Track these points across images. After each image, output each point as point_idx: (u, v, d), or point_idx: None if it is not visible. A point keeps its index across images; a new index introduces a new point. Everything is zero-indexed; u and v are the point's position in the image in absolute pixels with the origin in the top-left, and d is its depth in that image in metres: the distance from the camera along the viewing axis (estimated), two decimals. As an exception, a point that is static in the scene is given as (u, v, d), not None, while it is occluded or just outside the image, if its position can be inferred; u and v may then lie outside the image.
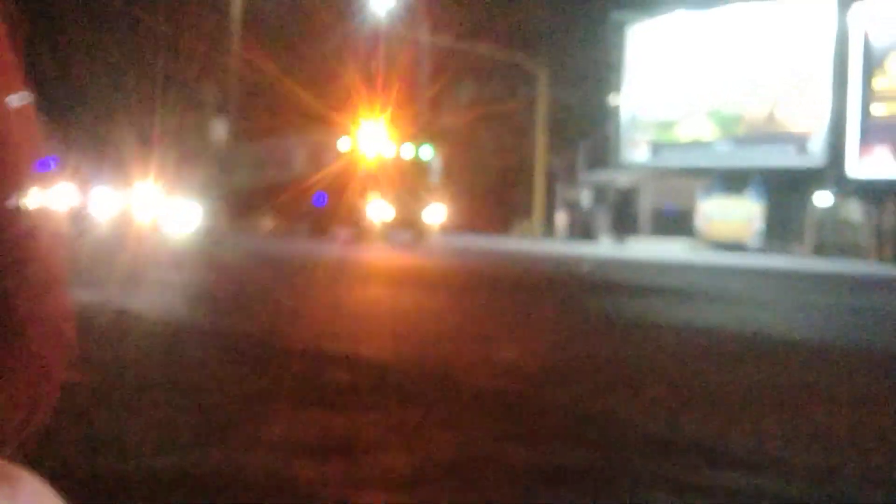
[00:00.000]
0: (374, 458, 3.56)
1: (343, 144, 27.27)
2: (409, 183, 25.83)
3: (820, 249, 25.01)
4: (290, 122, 39.17)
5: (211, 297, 9.16)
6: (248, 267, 14.17)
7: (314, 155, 29.53)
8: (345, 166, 26.42)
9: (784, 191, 25.82)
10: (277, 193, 31.33)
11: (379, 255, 18.89)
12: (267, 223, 33.46)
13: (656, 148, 28.99)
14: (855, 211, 26.49)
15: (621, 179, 30.93)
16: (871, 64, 23.84)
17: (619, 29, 29.63)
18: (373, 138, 27.61)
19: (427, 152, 27.46)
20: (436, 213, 26.21)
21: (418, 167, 26.88)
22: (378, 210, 25.50)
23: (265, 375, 5.09)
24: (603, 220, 31.51)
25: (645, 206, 30.79)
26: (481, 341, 6.86)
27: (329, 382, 4.97)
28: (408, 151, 27.23)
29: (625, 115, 29.57)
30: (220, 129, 37.67)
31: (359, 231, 25.62)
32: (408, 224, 25.79)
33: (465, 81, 36.68)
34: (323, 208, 27.59)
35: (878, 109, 23.86)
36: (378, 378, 5.15)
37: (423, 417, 4.16)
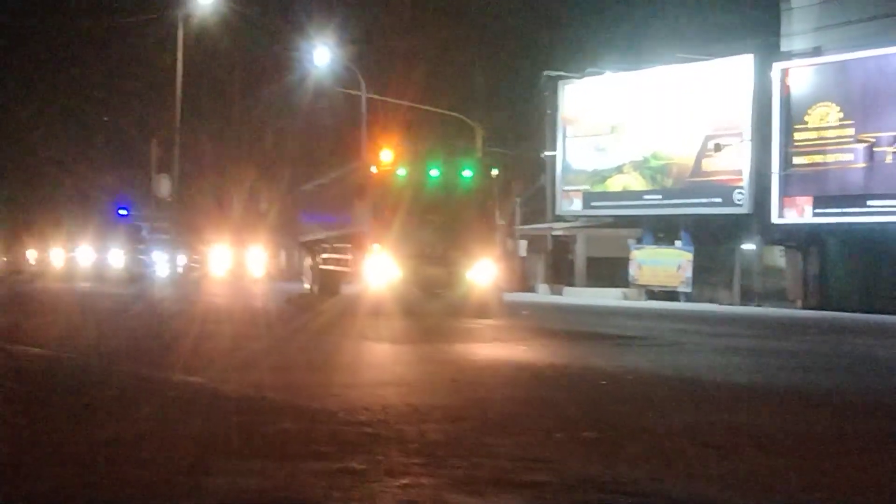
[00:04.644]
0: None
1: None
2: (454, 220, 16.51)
3: (747, 296, 25.69)
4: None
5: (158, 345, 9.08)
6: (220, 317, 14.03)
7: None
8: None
9: (712, 239, 26.57)
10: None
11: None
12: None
13: (589, 198, 29.62)
14: (780, 258, 27.34)
15: (557, 229, 31.44)
16: (792, 117, 24.87)
17: (553, 86, 30.44)
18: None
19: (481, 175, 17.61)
20: (489, 268, 16.63)
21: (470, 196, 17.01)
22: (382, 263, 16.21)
23: (209, 425, 5.06)
24: (540, 269, 31.89)
25: (580, 255, 31.30)
26: (419, 390, 6.91)
27: (273, 432, 4.97)
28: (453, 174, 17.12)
29: (559, 168, 30.22)
30: (164, 186, 36.56)
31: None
32: (442, 283, 16.23)
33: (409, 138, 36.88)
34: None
35: (800, 160, 24.83)
36: (321, 427, 5.16)
37: (368, 465, 4.19)
